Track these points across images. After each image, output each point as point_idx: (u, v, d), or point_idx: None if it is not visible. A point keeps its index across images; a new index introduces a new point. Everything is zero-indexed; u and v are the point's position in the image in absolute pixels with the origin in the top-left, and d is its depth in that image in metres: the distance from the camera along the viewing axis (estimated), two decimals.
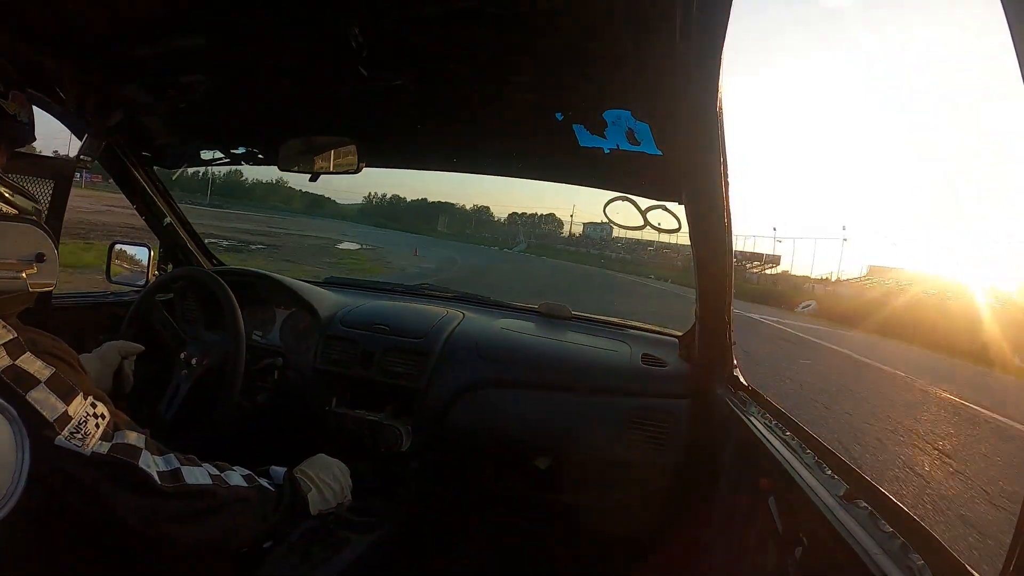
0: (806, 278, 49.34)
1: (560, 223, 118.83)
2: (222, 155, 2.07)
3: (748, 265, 61.02)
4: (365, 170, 1.74)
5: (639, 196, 1.65)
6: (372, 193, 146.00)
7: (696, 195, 1.33)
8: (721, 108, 1.03)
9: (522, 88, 1.39)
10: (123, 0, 1.21)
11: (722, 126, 1.07)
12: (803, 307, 25.93)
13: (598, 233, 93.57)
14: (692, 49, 0.89)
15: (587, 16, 1.08)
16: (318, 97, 1.60)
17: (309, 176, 1.76)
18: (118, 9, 1.24)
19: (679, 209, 1.52)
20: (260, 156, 2.04)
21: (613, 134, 1.46)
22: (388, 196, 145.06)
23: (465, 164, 2.01)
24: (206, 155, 2.09)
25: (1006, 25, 0.45)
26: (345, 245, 32.46)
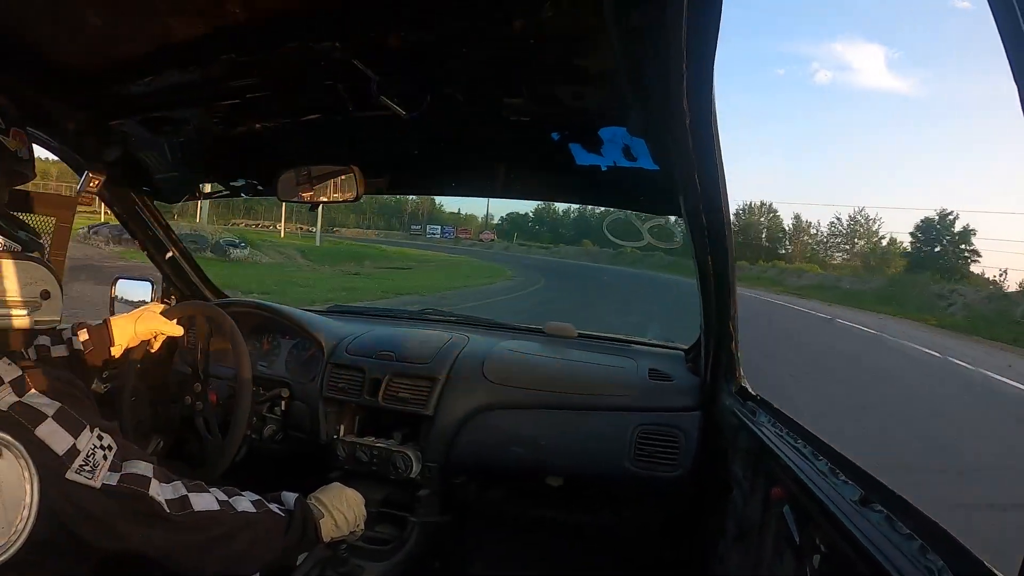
0: None
1: None
2: (222, 187, 2.09)
3: None
4: None
5: (638, 211, 1.66)
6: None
7: (695, 207, 1.34)
8: (716, 119, 1.04)
9: (516, 109, 1.40)
10: (120, 38, 1.23)
11: (718, 136, 1.08)
12: None
13: None
14: (684, 62, 0.90)
15: (578, 34, 1.09)
16: (314, 127, 1.61)
17: (309, 206, 1.77)
18: (114, 46, 1.27)
19: (679, 223, 1.53)
20: (259, 187, 2.05)
21: (610, 151, 1.47)
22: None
23: (464, 188, 2.02)
24: (206, 188, 2.11)
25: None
26: None
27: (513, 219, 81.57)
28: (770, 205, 71.94)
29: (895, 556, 0.70)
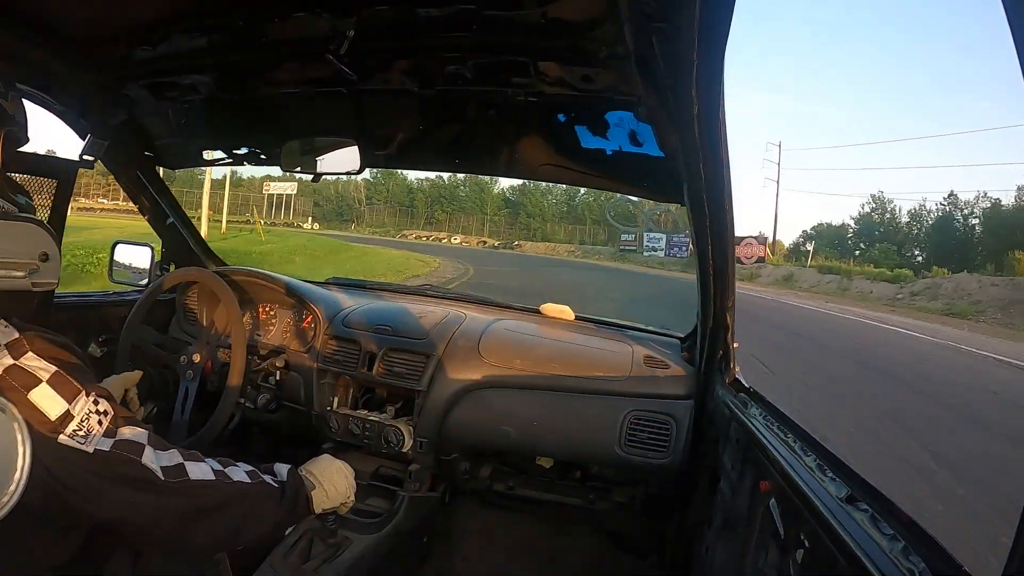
0: None
1: None
2: (224, 155, 2.08)
3: None
4: None
5: (642, 197, 1.65)
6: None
7: (698, 196, 1.33)
8: (724, 108, 1.03)
9: (524, 90, 1.39)
10: (127, 3, 1.22)
11: (725, 126, 1.07)
12: None
13: None
14: (695, 50, 0.89)
15: (589, 18, 1.08)
16: (320, 98, 1.60)
17: (312, 176, 1.76)
18: (121, 10, 1.25)
19: (681, 210, 1.53)
20: (262, 156, 2.04)
21: (616, 135, 1.46)
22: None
23: (467, 165, 2.00)
24: (209, 155, 2.10)
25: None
26: None
27: (821, 232, 49.59)
28: None
29: (878, 555, 0.70)
